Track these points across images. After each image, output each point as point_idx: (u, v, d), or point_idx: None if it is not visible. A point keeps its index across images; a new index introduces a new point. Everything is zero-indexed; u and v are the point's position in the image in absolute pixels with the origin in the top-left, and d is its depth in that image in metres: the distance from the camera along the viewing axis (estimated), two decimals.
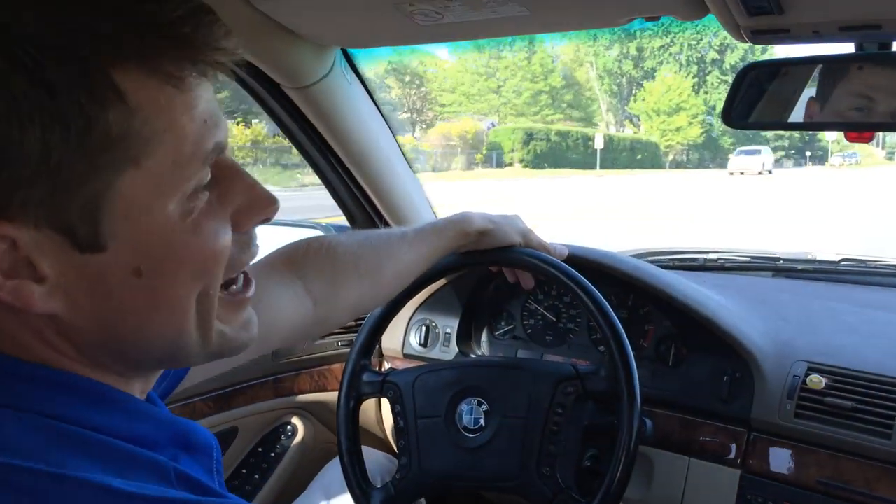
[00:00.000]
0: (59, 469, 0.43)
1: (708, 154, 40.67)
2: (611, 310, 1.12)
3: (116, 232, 0.46)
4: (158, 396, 0.68)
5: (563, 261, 1.19)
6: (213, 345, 0.54)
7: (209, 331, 0.53)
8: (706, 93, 41.84)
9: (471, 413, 1.18)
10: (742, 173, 29.68)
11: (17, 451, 0.43)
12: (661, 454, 1.28)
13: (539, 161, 32.89)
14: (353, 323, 1.47)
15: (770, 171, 31.04)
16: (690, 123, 39.57)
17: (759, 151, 31.83)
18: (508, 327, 1.54)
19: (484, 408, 1.18)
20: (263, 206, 0.54)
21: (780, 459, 1.17)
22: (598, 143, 32.22)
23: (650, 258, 1.77)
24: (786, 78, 1.05)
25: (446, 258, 1.15)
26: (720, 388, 1.24)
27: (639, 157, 39.64)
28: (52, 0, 0.43)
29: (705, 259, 1.72)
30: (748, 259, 1.71)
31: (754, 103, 1.08)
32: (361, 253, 1.02)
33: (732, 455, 1.21)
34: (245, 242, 0.54)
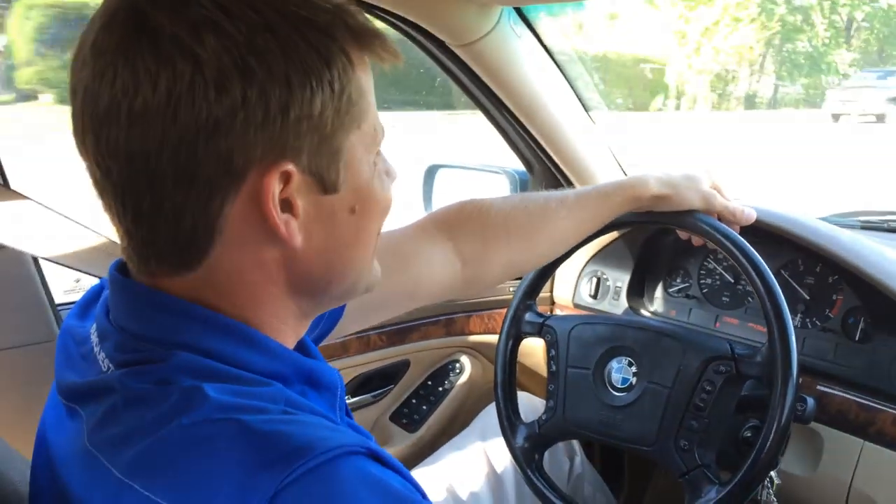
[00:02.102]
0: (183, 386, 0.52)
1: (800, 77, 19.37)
2: (779, 290, 1.05)
3: (345, 178, 0.58)
4: (313, 341, 0.78)
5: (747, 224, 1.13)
6: (371, 278, 0.67)
7: (375, 265, 0.67)
8: None
9: (620, 371, 1.19)
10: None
11: (162, 378, 0.53)
12: (833, 433, 1.20)
13: None
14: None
15: None
16: (737, 21, 17.46)
17: None
18: (684, 285, 1.50)
19: (633, 369, 1.18)
20: (392, 174, 0.66)
21: None
22: None
23: (862, 218, 1.61)
24: None
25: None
26: None
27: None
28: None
29: None
30: None
31: None
32: (514, 215, 1.03)
33: None
34: None
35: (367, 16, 0.58)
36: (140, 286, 0.57)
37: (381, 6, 1.19)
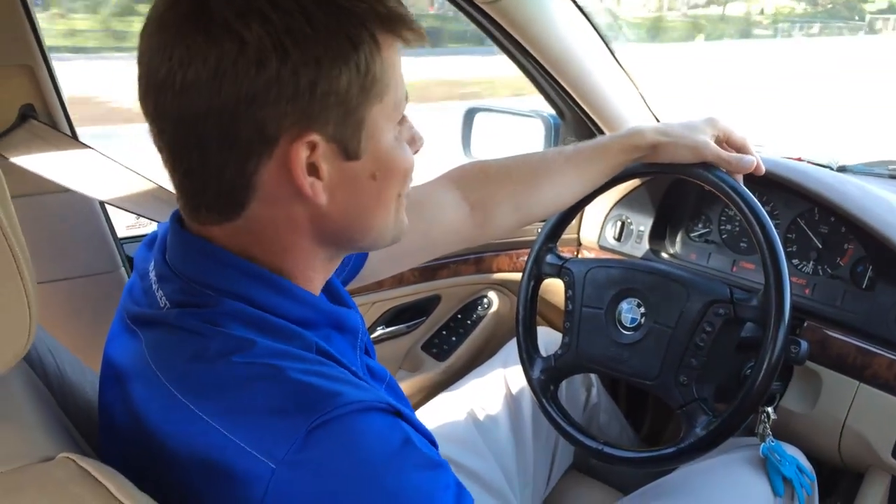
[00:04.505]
0: (232, 331, 0.63)
1: None
2: (777, 240, 1.09)
3: (367, 147, 0.65)
4: (341, 282, 0.89)
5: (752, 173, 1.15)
6: (396, 231, 0.74)
7: (399, 221, 0.73)
8: None
9: (629, 312, 1.27)
10: None
11: (211, 320, 0.63)
12: (832, 375, 1.27)
13: None
14: None
15: None
16: None
17: None
18: (704, 230, 1.56)
19: (642, 310, 1.26)
20: (418, 142, 0.73)
21: None
22: None
23: (891, 167, 1.63)
24: None
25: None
26: None
27: None
28: None
29: None
30: None
31: None
32: (514, 166, 1.13)
33: None
34: None
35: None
36: (192, 237, 0.68)
37: None
